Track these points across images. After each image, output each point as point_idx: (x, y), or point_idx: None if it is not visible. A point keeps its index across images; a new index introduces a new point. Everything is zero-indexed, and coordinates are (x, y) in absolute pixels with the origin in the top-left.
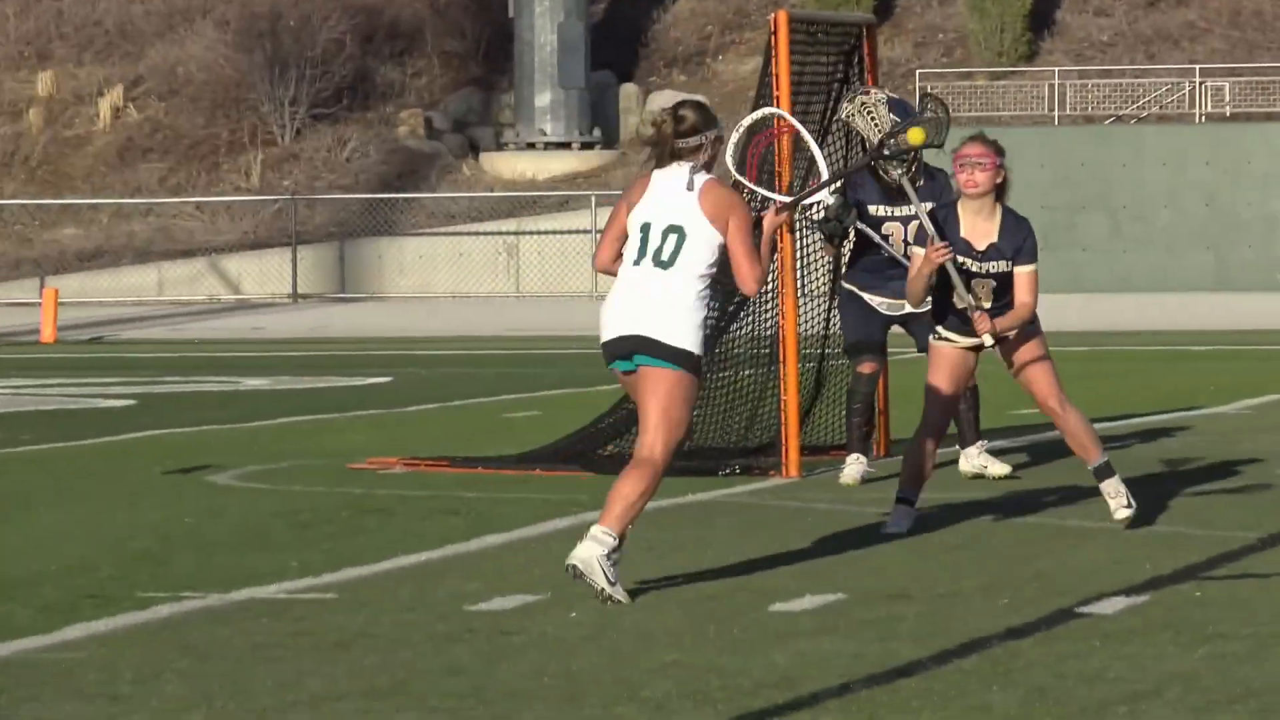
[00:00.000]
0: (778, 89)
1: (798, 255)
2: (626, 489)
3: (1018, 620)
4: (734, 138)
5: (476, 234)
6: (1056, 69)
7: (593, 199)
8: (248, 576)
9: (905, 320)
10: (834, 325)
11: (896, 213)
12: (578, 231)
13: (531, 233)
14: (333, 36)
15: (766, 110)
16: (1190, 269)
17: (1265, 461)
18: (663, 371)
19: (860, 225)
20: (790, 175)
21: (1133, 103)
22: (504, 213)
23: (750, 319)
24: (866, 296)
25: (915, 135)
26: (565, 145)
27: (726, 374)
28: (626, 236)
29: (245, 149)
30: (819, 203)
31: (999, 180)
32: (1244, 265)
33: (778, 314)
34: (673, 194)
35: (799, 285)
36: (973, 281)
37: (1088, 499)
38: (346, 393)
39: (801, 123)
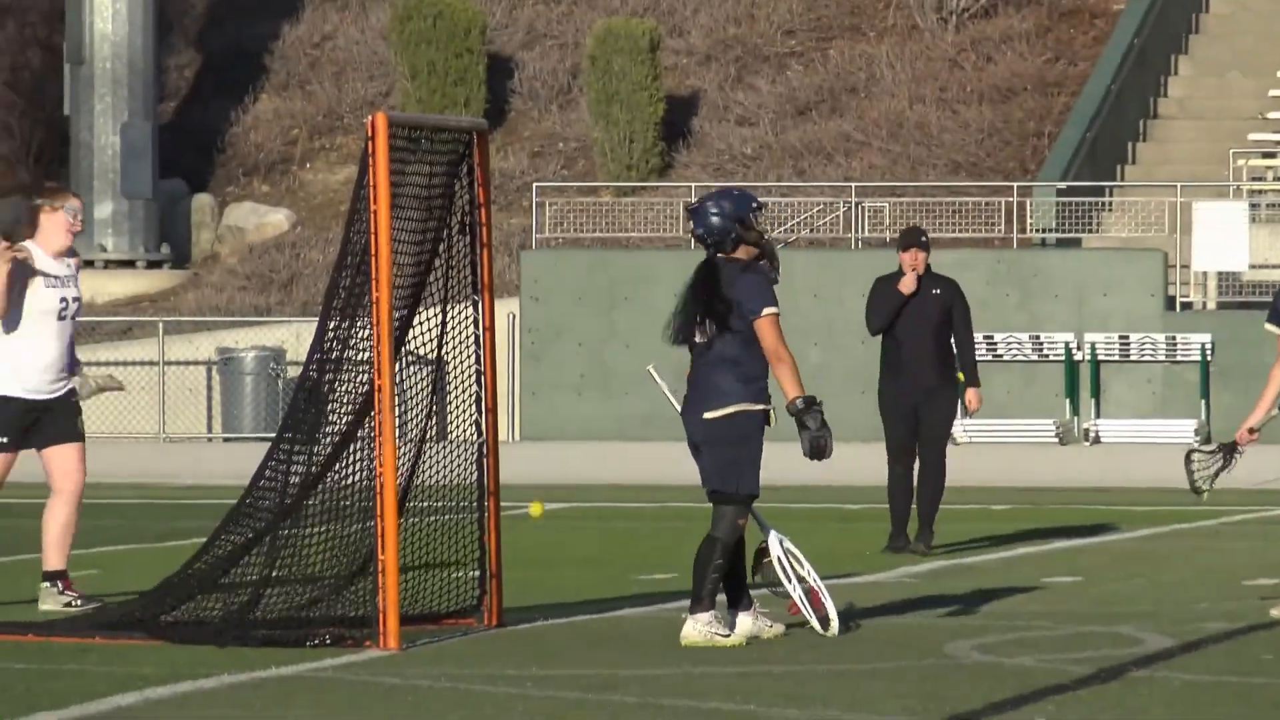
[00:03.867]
0: (375, 202)
1: (398, 392)
2: None
3: None
4: None
5: None
6: (693, 184)
7: (160, 326)
8: None
9: None
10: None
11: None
12: (143, 363)
13: (89, 364)
14: None
15: None
16: (845, 415)
17: None
18: None
19: None
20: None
21: (781, 224)
22: None
23: (358, 464)
24: None
25: None
26: (129, 263)
27: (323, 529)
28: None
29: None
30: None
31: None
32: None
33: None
34: None
35: (399, 427)
36: None
37: None
38: None
39: (399, 239)
